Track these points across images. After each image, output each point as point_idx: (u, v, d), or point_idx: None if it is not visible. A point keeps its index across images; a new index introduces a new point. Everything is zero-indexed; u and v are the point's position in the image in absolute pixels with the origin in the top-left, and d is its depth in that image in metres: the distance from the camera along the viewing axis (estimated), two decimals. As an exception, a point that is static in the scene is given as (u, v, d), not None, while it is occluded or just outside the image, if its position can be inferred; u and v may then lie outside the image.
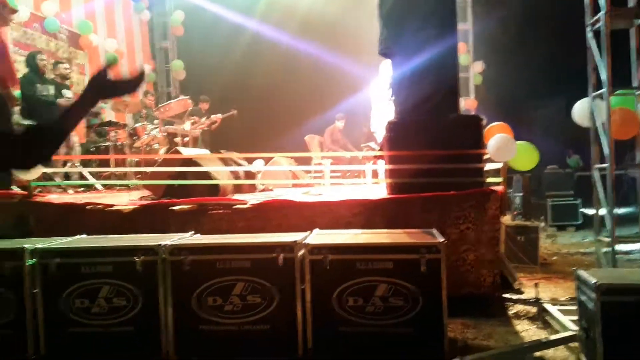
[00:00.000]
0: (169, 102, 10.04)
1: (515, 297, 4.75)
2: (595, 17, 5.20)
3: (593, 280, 3.07)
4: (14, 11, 5.51)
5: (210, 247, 3.62)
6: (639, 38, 5.37)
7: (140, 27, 12.98)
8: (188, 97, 9.97)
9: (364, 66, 8.10)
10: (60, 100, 8.03)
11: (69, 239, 4.01)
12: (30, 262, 3.60)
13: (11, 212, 5.00)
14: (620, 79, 5.38)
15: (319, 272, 3.50)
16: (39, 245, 3.66)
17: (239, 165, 7.19)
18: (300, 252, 3.56)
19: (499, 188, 5.03)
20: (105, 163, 8.56)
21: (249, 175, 7.33)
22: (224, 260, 3.54)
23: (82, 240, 3.98)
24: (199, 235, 4.10)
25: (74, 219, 4.85)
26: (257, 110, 12.06)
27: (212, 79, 11.97)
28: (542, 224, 7.24)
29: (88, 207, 4.91)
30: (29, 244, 3.70)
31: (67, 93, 8.31)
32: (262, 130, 11.68)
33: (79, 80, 10.49)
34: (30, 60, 7.94)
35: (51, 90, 8.05)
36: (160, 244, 3.58)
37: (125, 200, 5.53)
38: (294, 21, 11.70)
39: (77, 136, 8.60)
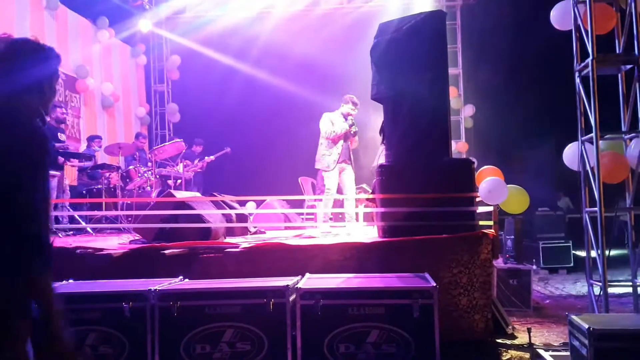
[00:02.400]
0: (163, 144, 10.09)
1: (508, 342, 4.70)
2: (583, 63, 5.30)
3: (585, 326, 3.06)
4: None
5: (199, 293, 3.59)
6: (627, 83, 5.47)
7: (136, 71, 13.15)
8: (181, 139, 10.02)
9: (360, 109, 8.20)
10: (56, 145, 8.04)
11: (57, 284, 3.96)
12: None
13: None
14: (610, 123, 5.46)
15: (311, 317, 3.47)
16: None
17: (232, 207, 7.19)
18: (292, 297, 3.53)
19: (491, 231, 5.04)
20: (97, 206, 8.53)
21: (242, 217, 7.32)
22: (213, 306, 3.50)
23: (70, 286, 3.94)
24: (188, 280, 4.06)
25: (63, 263, 4.80)
26: (250, 152, 12.12)
27: (206, 122, 12.07)
28: (534, 267, 7.22)
29: (78, 251, 4.87)
30: None
31: (62, 137, 8.34)
32: (255, 173, 11.72)
33: (74, 124, 10.56)
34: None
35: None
36: (150, 289, 3.54)
37: (115, 243, 5.49)
38: (288, 64, 11.88)
39: (68, 179, 8.60)
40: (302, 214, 9.21)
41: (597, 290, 5.09)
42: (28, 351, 1.95)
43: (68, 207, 8.15)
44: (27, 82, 2.02)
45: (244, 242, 5.26)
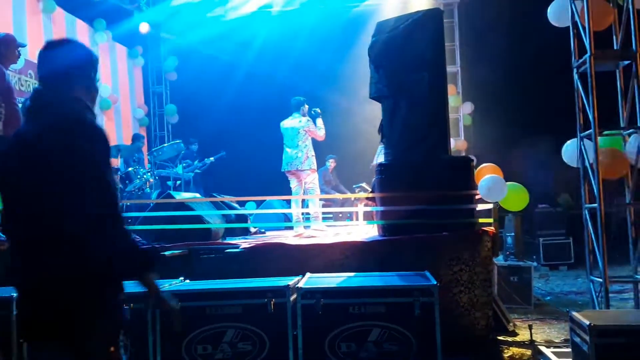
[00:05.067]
0: (161, 145, 10.08)
1: (509, 339, 4.71)
2: (581, 60, 5.30)
3: (586, 322, 3.06)
4: (22, 45, 5.57)
5: (200, 294, 3.59)
6: (625, 79, 5.47)
7: (134, 72, 13.14)
8: (180, 140, 10.02)
9: (359, 106, 8.22)
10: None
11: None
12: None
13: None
14: (609, 119, 5.46)
15: (311, 317, 3.47)
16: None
17: (232, 208, 7.19)
18: (293, 297, 3.53)
19: (491, 228, 5.05)
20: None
21: (242, 218, 7.32)
22: (214, 307, 3.50)
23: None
24: (188, 281, 4.06)
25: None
26: (249, 152, 12.11)
27: (204, 123, 12.05)
28: (535, 264, 7.22)
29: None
30: None
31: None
32: (254, 173, 11.71)
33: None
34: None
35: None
36: (150, 291, 3.54)
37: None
38: (286, 64, 11.87)
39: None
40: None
41: (597, 286, 5.10)
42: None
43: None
44: (75, 76, 2.06)
45: (244, 242, 5.26)
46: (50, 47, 2.09)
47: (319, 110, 7.72)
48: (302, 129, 7.39)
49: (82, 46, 2.15)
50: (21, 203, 1.95)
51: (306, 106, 7.59)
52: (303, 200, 7.72)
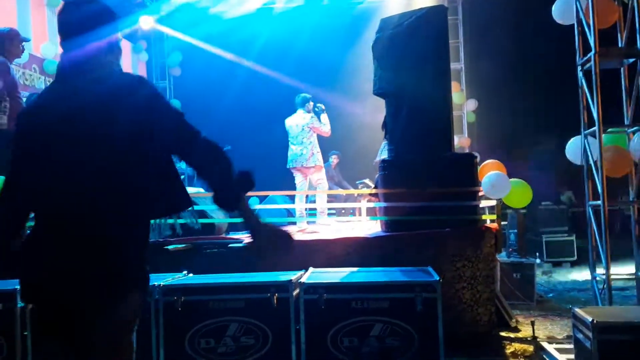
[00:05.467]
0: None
1: (512, 335, 4.71)
2: (586, 57, 5.30)
3: (589, 319, 3.07)
4: (26, 40, 5.59)
5: (203, 288, 3.60)
6: (629, 77, 5.47)
7: (138, 68, 13.15)
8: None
9: (363, 102, 8.23)
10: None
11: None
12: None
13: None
14: (613, 116, 5.46)
15: (314, 312, 3.48)
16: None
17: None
18: (295, 292, 3.54)
19: (494, 225, 5.05)
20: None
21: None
22: (217, 301, 3.51)
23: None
24: (192, 275, 4.08)
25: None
26: (253, 147, 12.12)
27: (208, 118, 12.02)
28: (538, 261, 7.23)
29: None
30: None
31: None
32: (257, 168, 11.71)
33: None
34: (29, 102, 7.99)
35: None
36: (154, 285, 3.56)
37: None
38: (290, 60, 11.87)
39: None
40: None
41: (600, 283, 5.10)
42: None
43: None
44: (104, 41, 2.06)
45: (247, 237, 5.27)
46: (71, 8, 2.07)
47: (323, 107, 7.73)
48: (306, 126, 7.42)
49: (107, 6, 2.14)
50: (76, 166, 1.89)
51: (311, 103, 7.61)
52: (307, 196, 7.75)
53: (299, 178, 7.63)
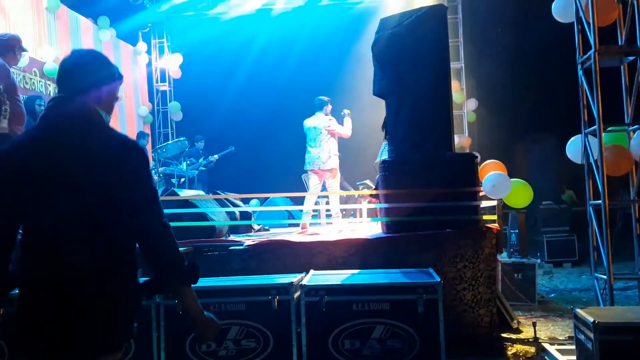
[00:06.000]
0: (165, 143, 10.10)
1: (513, 336, 4.70)
2: (586, 56, 5.28)
3: (591, 320, 3.05)
4: (24, 50, 5.61)
5: (203, 291, 3.58)
6: (630, 75, 5.45)
7: (138, 70, 13.15)
8: (184, 138, 10.02)
9: (363, 103, 8.22)
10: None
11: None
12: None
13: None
14: (613, 115, 5.44)
15: (315, 314, 3.48)
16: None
17: (235, 205, 7.20)
18: (296, 294, 3.53)
19: (495, 225, 5.04)
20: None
21: (245, 215, 7.33)
22: (217, 304, 3.51)
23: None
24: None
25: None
26: (254, 149, 12.12)
27: (208, 120, 12.07)
28: (539, 261, 7.22)
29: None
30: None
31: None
32: (258, 170, 11.73)
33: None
34: (29, 105, 7.96)
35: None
36: (154, 288, 3.55)
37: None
38: (290, 61, 11.87)
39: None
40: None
41: (602, 283, 5.08)
42: None
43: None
44: (95, 90, 2.05)
45: (247, 239, 5.27)
46: (77, 58, 2.10)
47: (348, 112, 7.90)
48: (324, 128, 7.49)
49: (109, 62, 2.16)
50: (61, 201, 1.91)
51: (329, 106, 7.70)
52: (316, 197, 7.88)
53: (314, 180, 7.72)
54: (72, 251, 1.88)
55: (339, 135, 7.67)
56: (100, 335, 1.89)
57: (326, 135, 7.53)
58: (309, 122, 7.71)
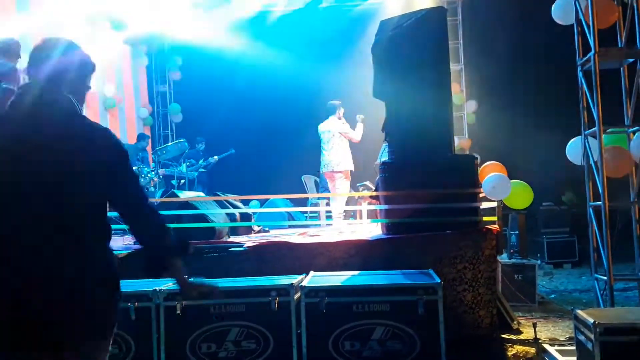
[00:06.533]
0: (165, 145, 10.10)
1: (514, 337, 4.70)
2: (585, 58, 5.29)
3: (591, 320, 3.06)
4: (19, 57, 5.65)
5: (204, 292, 3.59)
6: (630, 77, 5.46)
7: (138, 72, 13.15)
8: (184, 139, 10.02)
9: (363, 104, 8.22)
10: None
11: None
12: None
13: None
14: (613, 117, 5.45)
15: (315, 315, 3.48)
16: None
17: (235, 207, 7.20)
18: (296, 296, 3.53)
19: (495, 227, 5.04)
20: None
21: (245, 216, 7.33)
22: (218, 306, 3.51)
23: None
24: (192, 279, 4.06)
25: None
26: (254, 151, 12.13)
27: (208, 122, 12.07)
28: (539, 262, 7.22)
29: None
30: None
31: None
32: (258, 171, 11.73)
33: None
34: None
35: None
36: (154, 290, 3.55)
37: (120, 244, 5.50)
38: (290, 63, 11.87)
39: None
40: (305, 212, 9.23)
41: (602, 284, 5.08)
42: None
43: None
44: (68, 80, 2.06)
45: (247, 241, 5.27)
46: (50, 46, 2.07)
47: (362, 117, 8.05)
48: (337, 132, 7.59)
49: (82, 51, 2.14)
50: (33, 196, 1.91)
51: (342, 109, 7.84)
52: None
53: (331, 183, 7.92)
54: (42, 236, 1.90)
55: (349, 138, 7.84)
56: (80, 324, 1.88)
57: (339, 138, 7.73)
58: (322, 126, 7.92)
